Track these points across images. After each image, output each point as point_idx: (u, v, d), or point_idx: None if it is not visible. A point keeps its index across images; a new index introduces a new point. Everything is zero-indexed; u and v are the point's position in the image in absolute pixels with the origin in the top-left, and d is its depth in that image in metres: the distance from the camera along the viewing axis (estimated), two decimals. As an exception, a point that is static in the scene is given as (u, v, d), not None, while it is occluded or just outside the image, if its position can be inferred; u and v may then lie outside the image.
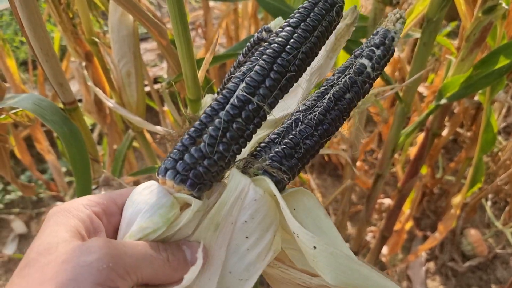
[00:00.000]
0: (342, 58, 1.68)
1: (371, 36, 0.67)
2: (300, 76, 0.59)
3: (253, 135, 0.56)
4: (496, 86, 1.50)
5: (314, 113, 0.59)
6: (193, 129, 0.52)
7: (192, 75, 0.79)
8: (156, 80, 2.90)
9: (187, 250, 0.50)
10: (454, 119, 2.20)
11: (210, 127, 0.51)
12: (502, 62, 1.21)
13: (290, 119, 0.60)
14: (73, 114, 0.94)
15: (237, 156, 0.55)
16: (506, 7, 1.18)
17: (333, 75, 0.64)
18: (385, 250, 2.17)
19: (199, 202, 0.50)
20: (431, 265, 2.35)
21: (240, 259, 0.51)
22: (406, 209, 2.11)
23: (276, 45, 0.56)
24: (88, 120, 2.57)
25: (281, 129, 0.60)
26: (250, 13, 2.25)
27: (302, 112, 0.60)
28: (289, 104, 0.67)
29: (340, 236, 0.55)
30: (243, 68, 0.56)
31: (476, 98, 2.09)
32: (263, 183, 0.53)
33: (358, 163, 2.49)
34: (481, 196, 2.08)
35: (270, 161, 0.57)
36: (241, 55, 0.82)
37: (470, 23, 1.31)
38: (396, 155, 2.31)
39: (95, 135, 2.26)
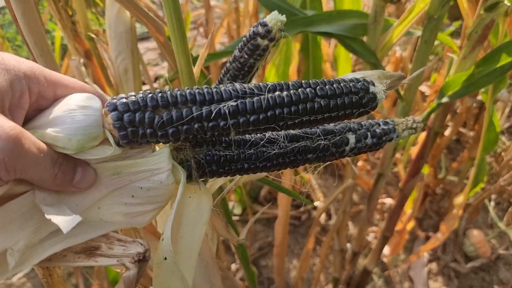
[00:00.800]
0: (343, 59, 1.67)
1: (377, 120, 0.69)
2: (285, 131, 0.60)
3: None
4: (498, 85, 1.48)
5: (270, 150, 0.61)
6: (164, 96, 0.52)
7: (188, 70, 0.78)
8: (157, 79, 2.90)
9: (79, 173, 0.51)
10: (456, 119, 2.19)
11: (176, 109, 0.52)
12: (504, 60, 1.20)
13: (250, 138, 0.62)
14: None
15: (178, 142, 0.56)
16: (509, 4, 1.16)
17: (317, 126, 0.65)
18: (386, 250, 2.15)
19: (119, 150, 0.52)
20: (433, 266, 2.34)
21: (114, 204, 0.54)
22: (408, 209, 2.09)
23: (287, 95, 0.55)
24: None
25: (236, 138, 0.62)
26: (251, 12, 2.24)
27: (265, 140, 0.61)
28: None
29: (197, 253, 0.61)
30: (253, 86, 0.55)
31: (479, 97, 2.08)
32: (179, 174, 0.56)
33: (359, 163, 2.48)
34: (484, 196, 2.07)
35: (203, 157, 0.59)
36: (237, 49, 0.81)
37: (472, 21, 1.30)
38: (398, 155, 2.29)
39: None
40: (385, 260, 2.23)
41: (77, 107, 0.50)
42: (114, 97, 0.53)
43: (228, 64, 0.85)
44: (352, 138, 0.64)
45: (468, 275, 2.29)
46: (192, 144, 0.60)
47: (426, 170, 2.22)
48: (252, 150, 0.61)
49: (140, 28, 3.14)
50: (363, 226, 1.86)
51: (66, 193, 0.52)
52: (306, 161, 0.63)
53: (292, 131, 0.63)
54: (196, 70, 0.84)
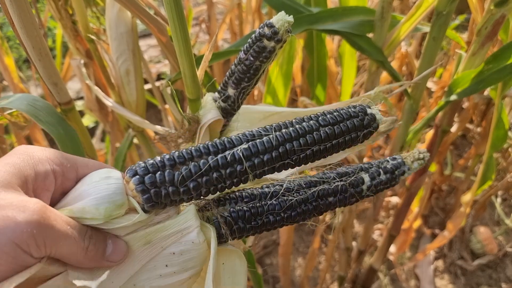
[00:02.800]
0: (348, 55, 1.64)
1: (386, 159, 0.71)
2: (299, 166, 0.61)
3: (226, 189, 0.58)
4: (508, 81, 1.45)
5: (291, 198, 0.62)
6: (180, 154, 0.54)
7: (191, 74, 0.76)
8: (159, 77, 2.87)
9: (110, 246, 0.51)
10: (463, 115, 2.15)
11: (193, 163, 0.54)
12: (515, 57, 1.17)
13: (269, 188, 0.63)
14: (69, 114, 0.91)
15: (201, 197, 0.57)
16: (520, -1, 1.13)
17: (330, 170, 0.68)
18: (392, 248, 2.13)
19: (145, 215, 0.53)
20: (440, 263, 2.31)
21: (150, 279, 0.54)
22: (414, 207, 2.07)
23: (295, 130, 0.58)
24: (91, 118, 2.55)
25: (256, 192, 0.63)
26: (254, 8, 2.20)
27: (284, 189, 0.63)
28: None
29: None
30: (260, 129, 0.58)
31: (486, 93, 2.04)
32: (209, 232, 0.57)
33: (365, 160, 2.45)
34: (491, 193, 2.04)
35: (228, 214, 0.60)
36: (242, 52, 0.79)
37: (482, 17, 1.26)
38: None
39: (98, 133, 2.23)
40: (391, 258, 2.21)
41: (100, 179, 0.52)
42: (132, 165, 0.54)
43: (233, 67, 0.82)
44: (366, 176, 0.66)
45: (475, 273, 2.26)
46: (215, 203, 0.61)
47: (432, 167, 2.19)
48: (274, 201, 0.62)
49: (141, 25, 3.11)
50: (369, 224, 1.83)
51: (100, 269, 0.52)
52: (329, 205, 0.64)
53: (309, 178, 0.65)
54: (199, 73, 0.81)
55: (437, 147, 1.54)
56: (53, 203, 0.51)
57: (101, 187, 0.51)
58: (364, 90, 1.46)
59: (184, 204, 0.58)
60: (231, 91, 0.82)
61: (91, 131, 2.50)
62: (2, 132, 1.04)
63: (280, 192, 0.62)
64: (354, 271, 2.04)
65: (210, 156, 0.54)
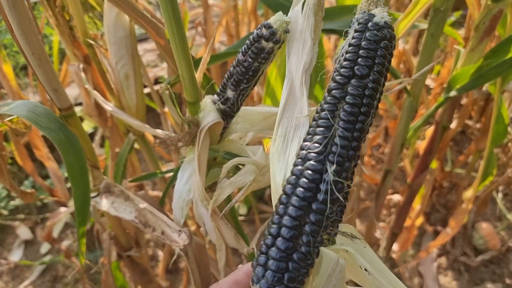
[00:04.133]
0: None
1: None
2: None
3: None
4: (507, 76, 1.45)
5: None
6: (288, 230, 0.47)
7: (189, 77, 0.76)
8: (157, 81, 2.87)
9: None
10: (462, 111, 2.15)
11: (307, 224, 0.47)
12: (514, 51, 1.17)
13: None
14: (70, 120, 0.91)
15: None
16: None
17: None
18: (395, 246, 2.13)
19: None
20: (443, 260, 2.31)
21: None
22: (416, 204, 2.07)
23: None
24: (90, 123, 2.54)
25: None
26: (250, 9, 2.20)
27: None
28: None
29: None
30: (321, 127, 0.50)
31: (485, 88, 2.05)
32: (338, 250, 0.51)
33: (365, 158, 2.45)
34: (492, 188, 2.04)
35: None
36: (240, 53, 0.79)
37: (479, 12, 1.27)
38: (403, 150, 2.26)
39: (97, 138, 2.23)
40: (394, 256, 2.21)
41: None
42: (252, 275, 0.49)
43: (231, 69, 0.82)
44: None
45: (478, 269, 2.26)
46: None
47: (434, 164, 2.19)
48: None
49: (138, 30, 3.11)
50: (371, 223, 1.83)
51: None
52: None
53: None
54: (198, 75, 0.81)
55: (438, 143, 1.54)
56: None
57: None
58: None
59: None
60: (230, 93, 0.82)
61: (90, 136, 2.50)
62: (1, 139, 1.04)
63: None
64: (357, 270, 2.03)
65: (314, 203, 0.47)
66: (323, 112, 0.51)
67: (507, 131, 1.57)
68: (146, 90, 2.20)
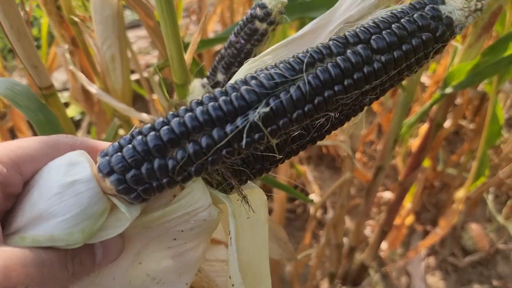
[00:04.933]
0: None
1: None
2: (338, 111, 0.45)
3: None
4: (504, 75, 1.43)
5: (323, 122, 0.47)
6: (169, 129, 0.39)
7: (178, 57, 0.72)
8: (148, 68, 2.82)
9: (99, 250, 0.42)
10: (457, 110, 2.14)
11: (192, 142, 0.39)
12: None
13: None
14: (50, 100, 0.87)
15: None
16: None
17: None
18: (384, 245, 2.11)
19: (137, 209, 0.41)
20: (431, 260, 2.30)
21: (156, 253, 0.46)
22: (406, 203, 2.05)
23: (333, 66, 0.41)
24: (77, 108, 2.49)
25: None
26: (245, -1, 2.16)
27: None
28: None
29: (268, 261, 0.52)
30: (281, 66, 0.41)
31: (480, 88, 2.03)
32: (223, 202, 0.46)
33: (356, 155, 2.43)
34: (483, 189, 2.02)
35: (244, 164, 0.48)
36: (233, 34, 0.75)
37: (478, 8, 1.24)
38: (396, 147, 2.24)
39: (84, 125, 2.18)
40: (382, 254, 2.19)
41: (61, 188, 0.38)
42: (104, 152, 0.41)
43: (223, 50, 0.78)
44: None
45: (466, 270, 2.25)
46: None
47: (426, 163, 2.17)
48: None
49: (131, 16, 3.06)
50: (361, 220, 1.81)
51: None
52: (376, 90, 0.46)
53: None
54: (187, 57, 0.77)
55: (431, 141, 1.51)
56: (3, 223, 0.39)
57: (68, 201, 0.38)
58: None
59: None
60: (220, 77, 0.78)
61: (77, 123, 2.45)
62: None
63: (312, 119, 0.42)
64: (344, 268, 2.01)
65: (216, 129, 0.39)
66: (302, 54, 0.41)
67: (501, 132, 1.56)
68: (136, 77, 2.16)
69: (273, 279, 0.52)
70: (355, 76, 0.41)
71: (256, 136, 0.39)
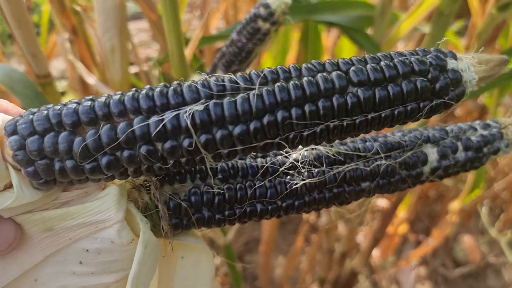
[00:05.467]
0: (347, 53, 1.59)
1: (472, 123, 0.46)
2: (302, 144, 0.38)
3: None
4: (504, 88, 1.43)
5: (296, 181, 0.41)
6: (90, 105, 0.34)
7: (178, 52, 0.71)
8: (149, 62, 2.81)
9: None
10: (457, 121, 2.13)
11: (108, 125, 0.34)
12: (514, 62, 1.14)
13: (264, 159, 0.43)
14: (47, 88, 0.86)
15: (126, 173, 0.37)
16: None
17: (371, 136, 0.44)
18: (375, 252, 2.11)
19: (32, 194, 0.36)
20: (422, 269, 2.30)
21: (59, 274, 0.39)
22: (400, 212, 2.04)
23: (295, 86, 0.35)
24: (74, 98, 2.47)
25: (240, 164, 0.42)
26: (250, -2, 2.15)
27: (287, 164, 0.41)
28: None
29: None
30: (237, 76, 0.37)
31: (480, 100, 2.02)
32: (138, 227, 0.38)
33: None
34: (477, 202, 2.02)
35: (185, 196, 0.40)
36: (235, 33, 0.74)
37: (482, 20, 1.24)
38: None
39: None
40: (373, 262, 2.18)
41: None
42: (21, 114, 0.37)
43: (224, 48, 0.77)
44: (432, 153, 0.44)
45: (456, 281, 2.25)
46: (160, 178, 0.41)
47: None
48: (267, 181, 0.41)
49: (133, 8, 3.04)
50: (354, 227, 1.80)
51: None
52: (360, 193, 0.43)
53: (329, 149, 0.43)
54: (188, 52, 0.77)
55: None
56: None
57: None
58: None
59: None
60: (220, 74, 0.77)
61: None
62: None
63: (281, 170, 0.40)
64: (335, 273, 2.00)
65: (139, 117, 0.34)
66: (269, 68, 0.37)
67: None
68: (135, 70, 2.15)
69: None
70: (320, 104, 0.35)
71: (185, 142, 0.34)
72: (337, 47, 1.59)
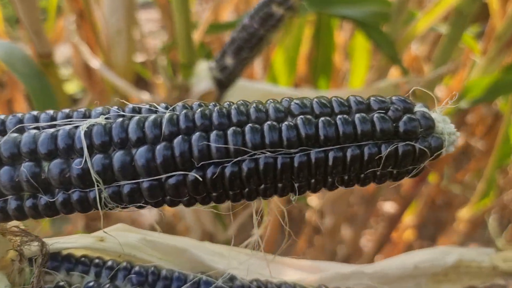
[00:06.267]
0: (360, 51, 1.55)
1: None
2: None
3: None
4: (522, 94, 1.38)
5: None
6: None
7: (186, 35, 0.67)
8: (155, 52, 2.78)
9: None
10: (468, 128, 2.09)
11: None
12: (535, 67, 1.10)
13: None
14: (48, 69, 0.83)
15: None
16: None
17: None
18: (379, 257, 2.07)
19: None
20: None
21: None
22: (406, 217, 2.00)
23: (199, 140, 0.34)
24: (78, 85, 2.44)
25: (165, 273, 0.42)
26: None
27: None
28: None
29: None
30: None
31: (495, 107, 1.98)
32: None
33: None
34: (486, 211, 1.97)
35: None
36: (247, 18, 0.70)
37: (503, 22, 1.20)
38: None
39: (84, 104, 2.13)
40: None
41: None
42: None
43: (234, 34, 0.73)
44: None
45: (460, 291, 2.20)
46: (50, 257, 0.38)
47: (431, 178, 2.12)
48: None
49: (141, -1, 3.01)
50: (359, 230, 1.77)
51: None
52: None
53: None
54: (197, 36, 0.73)
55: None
56: None
57: None
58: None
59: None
60: (229, 61, 0.73)
61: (78, 103, 2.41)
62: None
63: None
64: (336, 276, 1.97)
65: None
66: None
67: (512, 153, 1.51)
68: (142, 59, 2.12)
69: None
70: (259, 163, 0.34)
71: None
72: (352, 42, 1.55)
